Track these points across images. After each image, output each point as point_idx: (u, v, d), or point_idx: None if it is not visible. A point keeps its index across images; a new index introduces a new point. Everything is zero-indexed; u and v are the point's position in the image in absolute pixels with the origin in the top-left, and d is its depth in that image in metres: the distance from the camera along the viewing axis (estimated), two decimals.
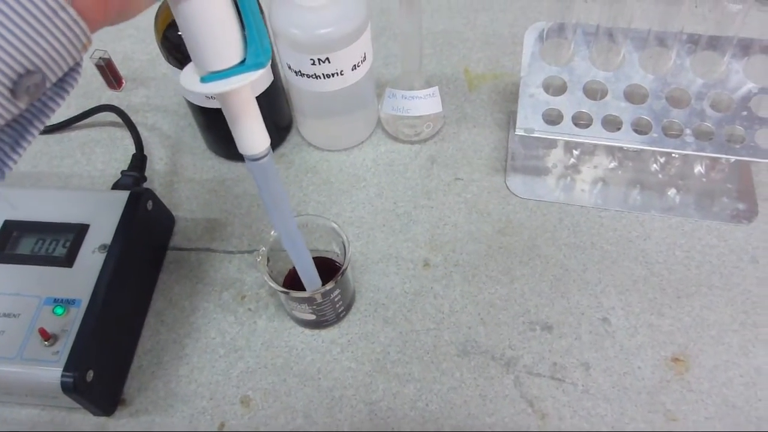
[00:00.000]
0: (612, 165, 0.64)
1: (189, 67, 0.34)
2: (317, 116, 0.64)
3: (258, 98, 0.60)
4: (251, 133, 0.37)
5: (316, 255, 0.55)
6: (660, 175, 0.64)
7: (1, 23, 0.22)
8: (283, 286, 0.52)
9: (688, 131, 0.57)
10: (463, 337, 0.56)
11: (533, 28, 0.61)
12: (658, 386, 0.52)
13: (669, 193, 0.63)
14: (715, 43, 0.58)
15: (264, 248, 0.50)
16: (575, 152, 0.65)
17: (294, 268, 0.49)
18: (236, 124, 0.36)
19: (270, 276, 0.50)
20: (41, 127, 0.27)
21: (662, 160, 0.64)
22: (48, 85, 0.25)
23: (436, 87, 0.65)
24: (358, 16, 0.56)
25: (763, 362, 0.53)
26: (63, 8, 0.23)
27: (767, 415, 0.51)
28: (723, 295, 0.57)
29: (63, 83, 0.26)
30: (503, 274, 0.59)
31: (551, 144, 0.66)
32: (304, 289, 0.50)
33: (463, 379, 0.53)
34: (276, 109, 0.65)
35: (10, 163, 0.26)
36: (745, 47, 0.59)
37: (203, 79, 0.33)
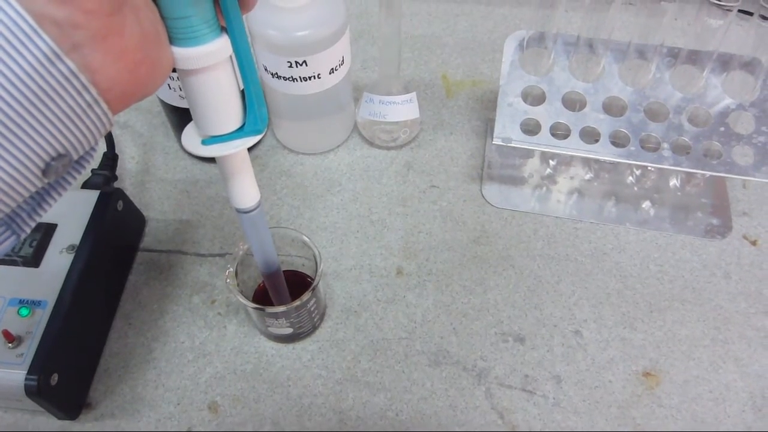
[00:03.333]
0: (588, 176, 0.64)
1: (190, 128, 0.36)
2: (293, 119, 0.63)
3: None
4: (244, 188, 0.39)
5: (285, 269, 0.54)
6: (635, 188, 0.64)
7: (44, 115, 0.24)
8: (254, 300, 0.51)
9: (665, 145, 0.57)
10: (434, 346, 0.55)
11: (513, 37, 0.61)
12: (629, 400, 0.52)
13: (644, 206, 0.63)
14: (694, 58, 0.58)
15: (231, 269, 0.50)
16: (552, 162, 0.65)
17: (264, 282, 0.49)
18: (230, 180, 0.38)
19: (242, 293, 0.49)
20: (58, 198, 0.29)
21: (638, 172, 0.64)
22: (71, 163, 0.28)
23: (414, 93, 0.64)
24: (336, 19, 0.55)
25: (732, 379, 0.53)
26: (96, 102, 0.26)
27: None
28: (695, 310, 0.57)
29: (82, 160, 0.29)
30: (477, 284, 0.58)
31: (528, 153, 0.66)
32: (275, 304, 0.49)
33: (434, 390, 0.53)
34: None
35: (27, 229, 0.29)
36: (725, 62, 0.59)
37: (204, 142, 0.35)
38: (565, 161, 0.65)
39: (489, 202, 0.63)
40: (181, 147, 0.66)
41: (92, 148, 0.29)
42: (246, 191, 0.39)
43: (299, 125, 0.64)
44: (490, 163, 0.66)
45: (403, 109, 0.63)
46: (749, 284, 0.58)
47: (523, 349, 0.55)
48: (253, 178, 0.39)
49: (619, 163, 0.59)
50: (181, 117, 0.62)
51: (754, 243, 0.61)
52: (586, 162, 0.65)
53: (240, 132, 0.35)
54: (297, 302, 0.48)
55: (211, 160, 0.42)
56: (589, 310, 0.57)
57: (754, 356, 0.54)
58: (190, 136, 0.36)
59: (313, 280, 0.49)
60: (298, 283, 0.54)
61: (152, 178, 0.66)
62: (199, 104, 0.33)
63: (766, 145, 0.56)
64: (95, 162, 0.63)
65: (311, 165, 0.67)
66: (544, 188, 0.64)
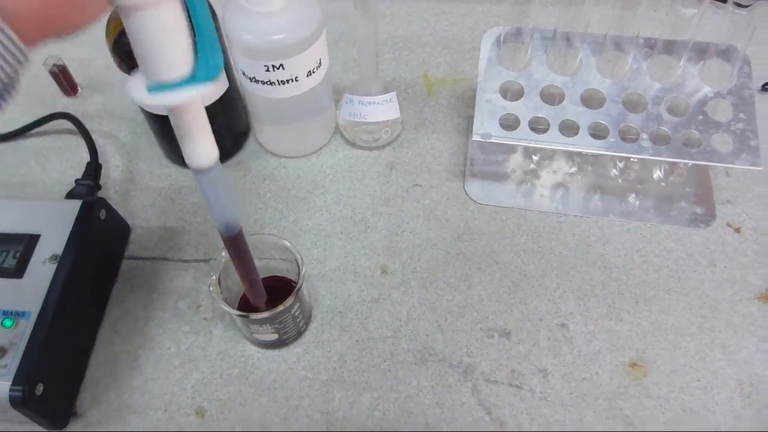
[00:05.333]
0: (572, 170, 0.64)
1: (136, 75, 0.33)
2: (274, 123, 0.63)
3: (214, 104, 0.59)
4: (200, 145, 0.36)
5: (269, 275, 0.54)
6: (620, 180, 0.64)
7: None
8: (239, 308, 0.51)
9: (645, 136, 0.57)
10: (420, 344, 0.55)
11: (490, 33, 0.61)
12: (616, 392, 0.52)
13: (628, 197, 0.63)
14: (670, 48, 0.58)
15: (214, 276, 0.49)
16: (534, 157, 0.65)
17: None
18: (184, 137, 0.35)
19: (225, 300, 0.49)
20: None
21: (621, 164, 0.64)
22: None
23: (394, 92, 0.64)
24: (312, 22, 0.55)
25: (719, 366, 0.53)
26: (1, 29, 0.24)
27: (724, 420, 0.51)
28: (681, 300, 0.57)
29: None
30: (461, 280, 0.58)
31: (510, 149, 0.66)
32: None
33: (421, 388, 0.53)
34: (232, 116, 0.65)
35: None
36: (701, 51, 0.59)
37: (150, 90, 0.32)
38: (548, 156, 0.65)
39: (472, 199, 0.63)
40: (165, 155, 0.67)
41: (9, 85, 0.26)
42: (203, 148, 0.36)
43: (280, 129, 0.64)
44: (473, 159, 0.66)
45: (382, 109, 0.64)
46: (734, 271, 0.58)
47: (509, 344, 0.55)
48: (210, 134, 0.36)
49: (600, 155, 0.59)
50: (163, 125, 0.62)
51: (737, 230, 0.61)
52: (569, 156, 0.65)
53: (191, 79, 0.32)
54: (280, 307, 0.48)
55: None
56: (575, 302, 0.57)
57: (741, 343, 0.54)
58: (136, 84, 0.33)
59: (296, 284, 0.49)
60: (282, 289, 0.53)
61: (136, 186, 0.66)
62: (143, 45, 0.31)
63: (745, 131, 0.56)
64: (81, 171, 0.63)
65: (294, 168, 0.67)
66: (528, 183, 0.64)
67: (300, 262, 0.50)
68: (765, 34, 0.56)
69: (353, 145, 0.68)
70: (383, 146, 0.68)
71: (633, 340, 0.55)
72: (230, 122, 0.65)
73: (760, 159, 0.55)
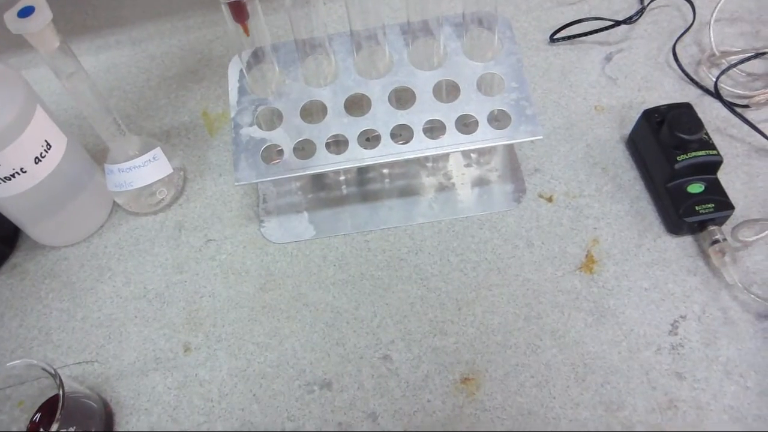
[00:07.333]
0: (370, 183, 0.59)
1: None
2: (34, 219, 0.56)
3: None
4: None
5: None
6: (424, 179, 0.59)
7: None
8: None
9: (419, 130, 0.52)
10: (237, 422, 0.49)
11: (234, 62, 0.55)
12: (451, 416, 0.48)
13: (434, 195, 0.58)
14: (427, 29, 0.53)
15: None
16: (326, 180, 0.59)
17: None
18: None
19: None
20: None
21: (430, 165, 0.59)
22: None
23: (158, 148, 0.58)
24: (11, 104, 0.48)
25: (551, 355, 0.49)
26: None
27: (564, 412, 0.47)
28: (504, 293, 0.53)
29: None
30: (271, 336, 0.53)
31: (300, 176, 0.60)
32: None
33: None
34: None
35: None
36: (457, 25, 0.54)
37: None
38: (346, 171, 0.59)
39: (270, 241, 0.58)
40: None
41: None
42: None
43: (47, 221, 0.57)
44: (265, 196, 0.60)
45: (148, 170, 0.57)
46: (552, 246, 0.55)
47: (331, 395, 0.50)
48: None
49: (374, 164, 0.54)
50: None
51: (549, 200, 0.57)
52: (366, 168, 0.60)
53: None
54: None
55: None
56: (395, 328, 0.52)
57: (569, 323, 0.51)
58: None
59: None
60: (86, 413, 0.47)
61: None
62: None
63: (519, 101, 0.52)
64: None
65: (76, 257, 0.60)
66: (326, 208, 0.58)
67: (54, 372, 0.43)
68: None
69: (137, 213, 0.61)
70: (169, 205, 0.61)
71: (461, 353, 0.50)
72: None
73: (539, 127, 0.51)
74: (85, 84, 0.50)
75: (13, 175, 0.50)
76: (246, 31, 0.49)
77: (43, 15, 0.45)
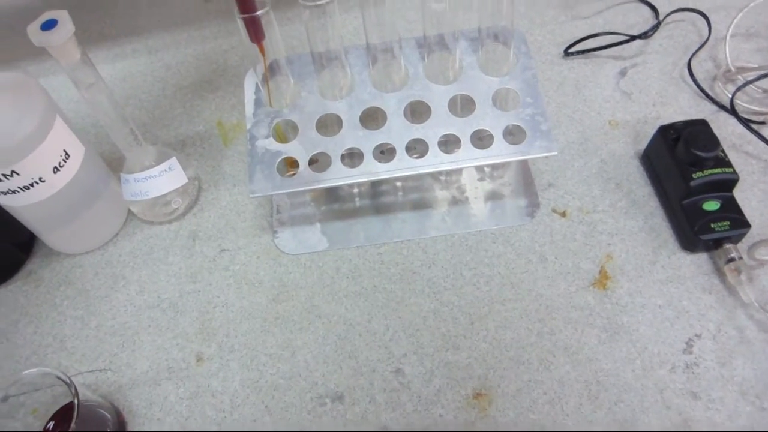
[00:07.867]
0: (384, 195, 0.59)
1: None
2: (51, 227, 0.56)
3: None
4: None
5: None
6: (437, 192, 0.59)
7: None
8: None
9: (434, 144, 0.52)
10: None
11: (250, 74, 0.55)
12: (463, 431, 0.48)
13: (447, 209, 0.58)
14: (443, 43, 0.54)
15: None
16: (341, 192, 0.59)
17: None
18: None
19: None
20: None
21: (443, 178, 0.59)
22: None
23: (173, 158, 0.58)
24: (31, 115, 0.48)
25: (564, 372, 0.49)
26: None
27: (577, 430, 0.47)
28: (517, 308, 0.53)
29: None
30: (283, 348, 0.53)
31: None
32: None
33: None
34: (5, 229, 0.57)
35: None
36: (472, 40, 0.54)
37: None
38: (359, 184, 0.59)
39: (284, 252, 0.58)
40: None
41: None
42: None
43: (61, 230, 0.57)
44: (279, 207, 0.60)
45: (163, 180, 0.57)
46: (566, 261, 0.54)
47: (343, 408, 0.50)
48: None
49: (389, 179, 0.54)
50: None
51: (563, 215, 0.57)
52: (380, 181, 0.60)
53: None
54: None
55: None
56: (407, 341, 0.52)
57: (582, 339, 0.50)
58: None
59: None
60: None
61: None
62: None
63: (534, 117, 0.52)
64: None
65: (91, 264, 0.60)
66: (339, 220, 0.59)
67: (69, 382, 0.44)
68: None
69: (151, 222, 0.61)
70: (183, 215, 0.61)
71: (473, 368, 0.50)
72: (6, 235, 0.58)
73: (554, 143, 0.51)
74: (103, 94, 0.50)
75: (31, 185, 0.50)
76: (262, 51, 0.49)
77: (66, 28, 0.45)
